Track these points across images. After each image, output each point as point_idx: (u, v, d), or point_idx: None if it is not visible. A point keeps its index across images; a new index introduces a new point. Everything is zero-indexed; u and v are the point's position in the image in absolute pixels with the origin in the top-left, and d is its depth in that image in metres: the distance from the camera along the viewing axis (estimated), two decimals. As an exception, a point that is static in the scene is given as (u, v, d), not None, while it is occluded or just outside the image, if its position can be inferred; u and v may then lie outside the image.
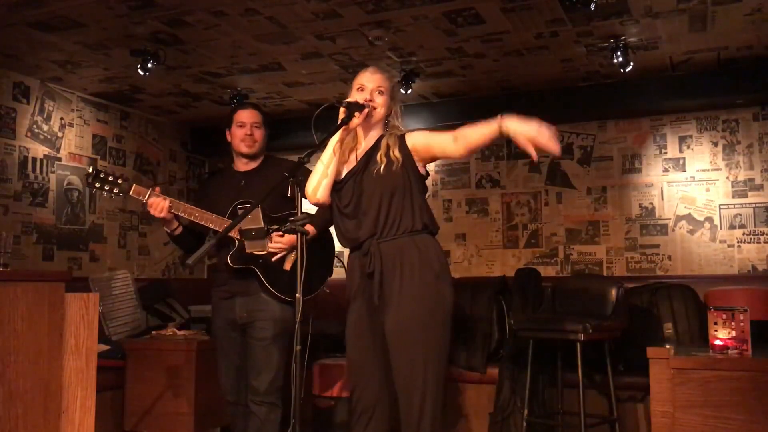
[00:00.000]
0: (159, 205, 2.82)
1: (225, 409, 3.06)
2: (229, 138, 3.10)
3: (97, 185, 2.86)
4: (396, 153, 2.40)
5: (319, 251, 2.97)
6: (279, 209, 2.95)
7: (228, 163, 3.17)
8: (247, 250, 2.79)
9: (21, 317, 2.26)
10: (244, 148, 3.03)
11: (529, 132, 2.15)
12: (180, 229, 2.95)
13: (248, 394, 2.94)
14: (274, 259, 2.86)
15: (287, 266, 2.87)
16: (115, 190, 2.87)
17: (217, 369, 3.06)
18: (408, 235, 2.38)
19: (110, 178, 2.87)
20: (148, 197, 2.83)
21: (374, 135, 2.51)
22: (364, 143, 2.52)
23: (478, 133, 2.27)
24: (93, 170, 2.87)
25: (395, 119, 2.54)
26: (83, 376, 2.42)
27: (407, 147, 2.44)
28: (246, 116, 3.06)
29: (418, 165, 2.45)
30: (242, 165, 3.08)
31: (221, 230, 2.76)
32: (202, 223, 2.86)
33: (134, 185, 2.86)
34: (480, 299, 4.15)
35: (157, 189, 2.86)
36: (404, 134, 2.49)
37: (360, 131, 2.51)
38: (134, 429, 3.91)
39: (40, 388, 2.30)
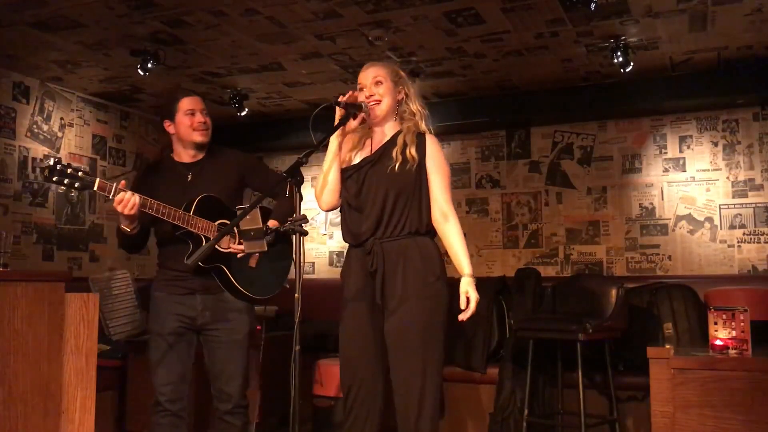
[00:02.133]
0: (130, 201, 2.55)
1: (155, 421, 2.72)
2: (171, 129, 2.85)
3: (55, 179, 2.54)
4: (413, 152, 2.38)
5: (277, 249, 2.79)
6: (233, 202, 2.81)
7: (167, 155, 2.89)
8: (247, 251, 2.75)
9: (21, 317, 2.26)
10: (198, 137, 2.80)
11: (466, 302, 2.37)
12: (138, 227, 2.70)
13: (216, 402, 2.77)
14: (240, 256, 2.72)
15: (253, 263, 2.81)
16: (77, 185, 2.55)
17: (153, 374, 2.73)
18: (410, 236, 2.37)
19: (69, 171, 2.55)
20: (114, 193, 2.56)
21: (391, 126, 2.49)
22: (381, 135, 2.49)
23: (451, 250, 2.39)
24: (53, 162, 2.56)
25: (411, 103, 2.49)
26: (83, 376, 2.42)
27: (425, 148, 2.42)
28: (194, 103, 2.82)
29: None
30: (188, 156, 2.84)
31: (187, 226, 2.65)
32: (169, 219, 2.64)
33: (98, 179, 2.56)
34: (480, 299, 4.14)
35: (122, 183, 2.59)
36: (425, 134, 2.46)
37: (377, 127, 2.50)
38: (134, 429, 3.91)
39: (40, 388, 2.30)
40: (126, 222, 2.64)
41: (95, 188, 2.55)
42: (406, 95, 2.51)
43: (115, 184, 2.58)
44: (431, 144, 2.44)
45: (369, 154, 2.48)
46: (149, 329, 2.84)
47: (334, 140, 2.45)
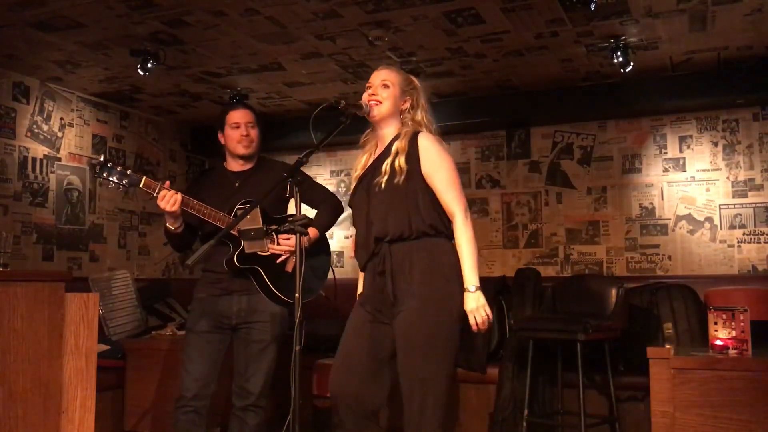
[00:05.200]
0: (171, 198, 2.71)
1: (177, 417, 2.83)
2: (222, 140, 3.03)
3: (105, 175, 2.73)
4: (402, 163, 2.31)
5: (316, 255, 2.96)
6: (278, 212, 2.94)
7: (219, 163, 3.08)
8: (246, 251, 2.78)
9: (21, 317, 2.26)
10: (241, 149, 2.96)
11: (471, 319, 2.31)
12: (183, 226, 2.86)
13: (234, 398, 2.87)
14: (279, 261, 2.84)
15: (289, 268, 2.87)
16: (125, 182, 2.74)
17: (182, 370, 2.87)
18: (417, 240, 2.33)
19: (119, 169, 2.74)
20: (159, 190, 2.73)
21: (391, 131, 2.48)
22: (383, 141, 2.49)
23: (462, 257, 2.34)
24: (103, 159, 2.75)
25: (418, 112, 2.47)
26: (83, 376, 2.42)
27: (417, 154, 2.34)
28: (240, 116, 2.98)
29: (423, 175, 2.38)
30: (237, 166, 3.02)
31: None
32: (210, 220, 2.80)
33: (144, 177, 2.74)
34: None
35: (167, 183, 2.77)
36: (418, 134, 2.39)
37: (378, 129, 2.49)
38: (134, 429, 3.91)
39: (40, 388, 2.30)
40: (171, 220, 2.81)
41: (141, 186, 2.73)
42: (413, 106, 2.47)
43: (160, 183, 2.75)
44: (424, 145, 2.36)
45: (369, 165, 2.49)
46: (186, 327, 2.98)
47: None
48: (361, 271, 2.51)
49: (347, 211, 2.77)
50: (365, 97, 2.45)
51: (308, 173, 5.22)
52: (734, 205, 4.59)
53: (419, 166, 2.34)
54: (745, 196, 4.56)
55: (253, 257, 2.81)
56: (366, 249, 2.42)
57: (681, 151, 4.76)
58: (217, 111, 5.16)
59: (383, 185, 2.34)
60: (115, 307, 4.44)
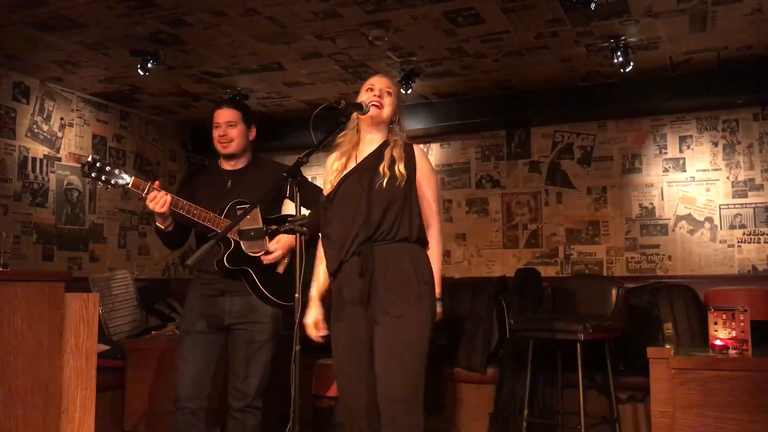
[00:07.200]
0: (161, 199, 2.70)
1: (176, 418, 2.83)
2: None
3: (94, 175, 2.72)
4: (401, 169, 2.42)
5: (309, 260, 2.92)
6: (271, 212, 2.91)
7: (214, 161, 3.06)
8: (246, 251, 2.77)
9: (21, 317, 2.26)
10: (219, 148, 2.95)
11: None
12: (173, 225, 2.84)
13: (230, 399, 2.86)
14: (266, 261, 2.80)
15: (281, 270, 2.85)
16: (113, 182, 2.73)
17: (177, 372, 2.86)
18: (400, 243, 2.40)
19: (108, 169, 2.73)
20: (148, 191, 2.71)
21: (377, 137, 2.53)
22: (367, 145, 2.53)
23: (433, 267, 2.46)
24: (92, 159, 2.72)
25: (399, 123, 2.58)
26: (83, 376, 2.42)
27: (414, 162, 2.48)
28: (220, 116, 2.95)
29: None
30: (228, 164, 2.99)
31: (218, 229, 2.74)
32: (200, 221, 2.77)
33: (133, 177, 2.73)
34: (480, 299, 4.15)
35: (157, 183, 2.75)
36: (412, 145, 2.52)
37: (363, 131, 2.53)
38: (134, 429, 3.92)
39: (40, 388, 2.30)
40: (160, 220, 2.79)
41: (130, 186, 2.71)
42: (399, 119, 2.59)
43: (149, 183, 2.73)
44: (420, 157, 2.53)
45: (354, 165, 2.50)
46: (180, 328, 2.98)
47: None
48: (342, 258, 2.47)
49: None
50: (368, 97, 2.47)
51: (308, 173, 5.23)
52: (734, 205, 4.59)
53: (414, 175, 2.48)
54: (745, 196, 4.56)
55: (243, 258, 2.78)
56: (356, 242, 2.42)
57: (681, 151, 4.76)
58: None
59: (384, 185, 2.40)
60: (115, 307, 4.44)
